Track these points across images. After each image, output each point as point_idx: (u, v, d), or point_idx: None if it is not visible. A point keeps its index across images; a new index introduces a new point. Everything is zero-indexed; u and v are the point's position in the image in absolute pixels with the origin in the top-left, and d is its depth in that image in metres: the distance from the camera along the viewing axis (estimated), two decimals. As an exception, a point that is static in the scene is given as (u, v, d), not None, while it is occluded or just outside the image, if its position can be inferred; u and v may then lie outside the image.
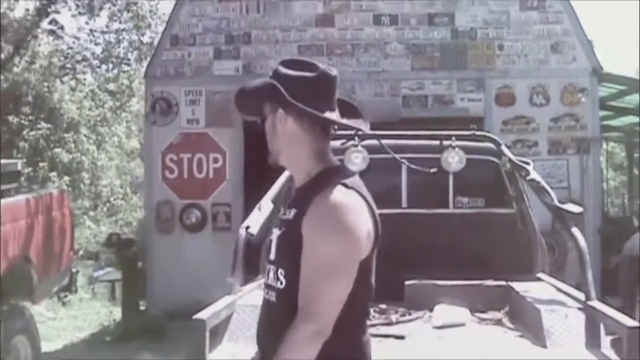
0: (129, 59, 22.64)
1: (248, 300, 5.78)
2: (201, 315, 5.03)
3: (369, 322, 6.02)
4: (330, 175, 2.85)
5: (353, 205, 2.77)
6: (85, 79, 23.24)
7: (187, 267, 11.29)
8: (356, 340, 2.89)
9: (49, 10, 20.85)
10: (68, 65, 22.93)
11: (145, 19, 21.72)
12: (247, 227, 6.30)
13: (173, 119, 11.73)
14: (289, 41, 11.71)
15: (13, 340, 7.03)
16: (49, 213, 7.86)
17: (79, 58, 23.04)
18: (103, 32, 22.54)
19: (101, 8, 15.11)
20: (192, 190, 11.62)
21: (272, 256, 2.91)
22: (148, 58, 23.26)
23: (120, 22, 22.38)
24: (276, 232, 2.93)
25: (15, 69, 22.05)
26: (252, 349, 5.45)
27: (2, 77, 21.25)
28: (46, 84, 21.18)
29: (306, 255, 2.72)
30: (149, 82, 12.04)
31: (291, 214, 2.83)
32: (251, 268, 6.37)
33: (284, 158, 2.97)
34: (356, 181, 2.90)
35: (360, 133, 7.52)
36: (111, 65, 23.29)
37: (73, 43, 23.43)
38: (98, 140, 22.12)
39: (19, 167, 7.82)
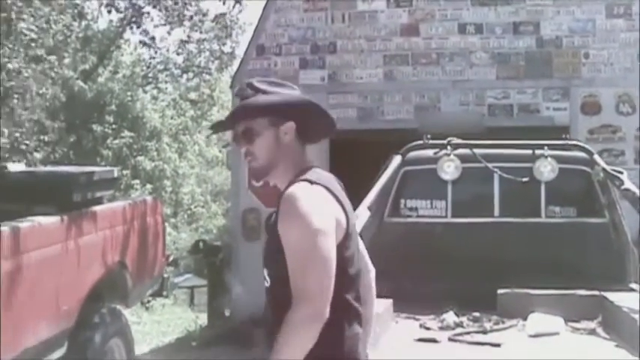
0: (210, 69, 22.93)
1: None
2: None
3: (461, 330, 6.08)
4: (299, 176, 2.92)
5: (314, 194, 2.84)
6: (166, 89, 23.63)
7: (272, 274, 11.39)
8: (336, 334, 2.85)
9: (133, 20, 21.17)
10: (150, 75, 23.35)
11: (227, 29, 21.94)
12: (344, 235, 6.37)
13: (260, 128, 11.83)
14: (374, 51, 11.75)
15: (110, 343, 7.20)
16: (144, 220, 8.02)
17: (160, 67, 23.45)
18: (184, 42, 22.85)
19: (183, 19, 15.26)
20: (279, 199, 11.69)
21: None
22: (229, 68, 23.68)
23: (201, 32, 22.66)
24: (265, 237, 3.05)
25: (99, 79, 22.51)
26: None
27: (87, 87, 21.67)
28: (129, 93, 21.55)
29: (286, 251, 2.78)
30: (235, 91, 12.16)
31: (272, 218, 2.91)
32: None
33: (277, 172, 3.02)
34: (322, 177, 2.98)
35: (452, 142, 7.60)
36: (192, 74, 23.62)
37: (155, 53, 23.81)
38: (180, 148, 22.46)
39: (115, 175, 7.99)
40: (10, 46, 10.17)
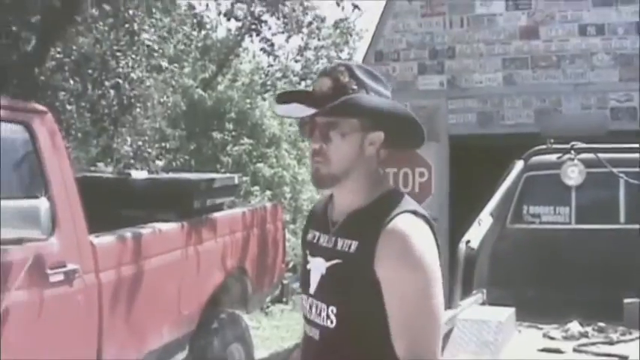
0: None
1: (468, 315, 5.76)
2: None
3: (586, 340, 5.93)
4: (392, 200, 2.58)
5: (425, 230, 2.51)
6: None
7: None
8: None
9: (252, 28, 21.38)
10: (269, 82, 23.56)
11: (345, 36, 22.05)
12: (467, 241, 6.30)
13: (379, 134, 11.77)
14: (494, 54, 11.54)
15: (230, 348, 7.27)
16: (264, 226, 8.07)
17: (279, 75, 23.65)
18: (302, 49, 23.04)
19: (302, 26, 15.32)
20: (398, 204, 11.62)
21: (314, 290, 2.63)
22: (346, 74, 23.74)
23: (319, 39, 22.80)
24: (319, 263, 2.63)
25: (219, 87, 22.79)
26: (473, 363, 5.47)
27: (207, 95, 21.95)
28: (248, 101, 21.71)
29: (396, 297, 2.43)
30: (354, 97, 12.15)
31: (347, 245, 2.54)
32: (468, 282, 6.36)
33: (346, 184, 2.60)
34: (416, 204, 2.63)
35: (576, 146, 7.43)
36: (310, 81, 23.77)
37: (274, 60, 24.02)
38: (298, 155, 22.49)
39: (236, 181, 8.07)
40: (133, 56, 10.39)
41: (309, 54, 23.30)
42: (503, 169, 10.87)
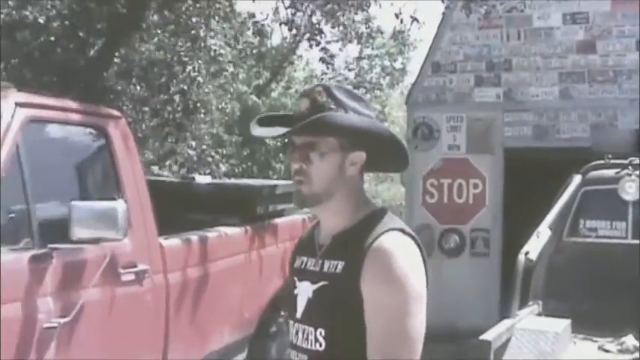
0: (381, 84, 23.18)
1: (526, 324, 5.88)
2: (487, 336, 5.20)
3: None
4: (377, 219, 2.53)
5: (410, 249, 2.47)
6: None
7: (443, 292, 11.36)
8: None
9: (310, 37, 21.53)
10: (322, 90, 23.66)
11: (400, 46, 22.15)
12: (526, 253, 6.41)
13: (434, 144, 11.87)
14: (550, 68, 11.59)
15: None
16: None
17: (333, 83, 23.71)
18: (357, 59, 23.15)
19: (361, 36, 15.47)
20: (452, 215, 11.71)
21: (301, 314, 2.57)
22: (400, 84, 23.89)
23: (372, 49, 22.92)
24: (306, 287, 2.58)
25: (272, 94, 23.03)
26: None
27: (260, 102, 22.19)
28: (303, 109, 21.83)
29: (374, 314, 2.39)
30: (411, 108, 12.26)
31: (333, 266, 2.51)
32: (526, 293, 6.46)
33: (329, 204, 2.56)
34: (404, 224, 2.58)
35: (634, 162, 7.50)
36: (364, 90, 23.89)
37: (327, 69, 24.12)
38: (352, 164, 22.69)
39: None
40: (199, 62, 10.61)
41: (363, 63, 23.37)
42: (558, 182, 10.91)
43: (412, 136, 12.02)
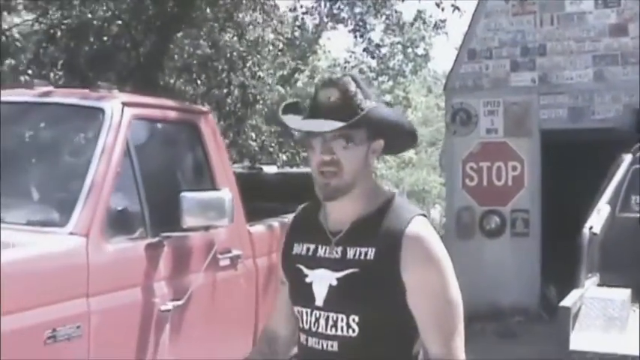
0: (404, 71, 23.51)
1: (594, 293, 6.27)
2: (566, 303, 5.59)
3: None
4: (399, 205, 2.64)
5: (437, 235, 2.63)
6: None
7: (486, 271, 11.74)
8: None
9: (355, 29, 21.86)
10: (346, 78, 23.97)
11: (420, 32, 22.44)
12: (590, 227, 6.80)
13: (472, 129, 12.20)
14: (584, 52, 11.88)
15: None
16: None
17: (356, 71, 24.08)
18: (379, 46, 23.42)
19: (402, 27, 15.78)
20: (492, 197, 12.04)
21: (323, 302, 2.63)
22: (423, 70, 24.20)
23: (395, 36, 23.19)
24: (325, 274, 2.64)
25: (297, 83, 23.36)
26: (602, 336, 5.97)
27: (285, 91, 22.53)
28: (327, 97, 22.11)
29: (427, 297, 2.54)
30: (449, 94, 12.59)
31: (361, 253, 2.58)
32: (590, 265, 6.85)
33: (352, 193, 2.60)
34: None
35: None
36: (386, 77, 24.21)
37: (350, 57, 24.49)
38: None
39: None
40: (258, 56, 10.98)
41: (384, 50, 23.66)
42: (593, 162, 11.25)
43: (450, 122, 12.37)
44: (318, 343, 2.63)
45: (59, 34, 8.39)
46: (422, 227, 2.58)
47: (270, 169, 8.39)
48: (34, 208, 4.52)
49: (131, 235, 4.77)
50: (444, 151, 13.99)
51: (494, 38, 12.27)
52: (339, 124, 2.51)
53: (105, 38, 9.56)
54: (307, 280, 2.66)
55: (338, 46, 23.24)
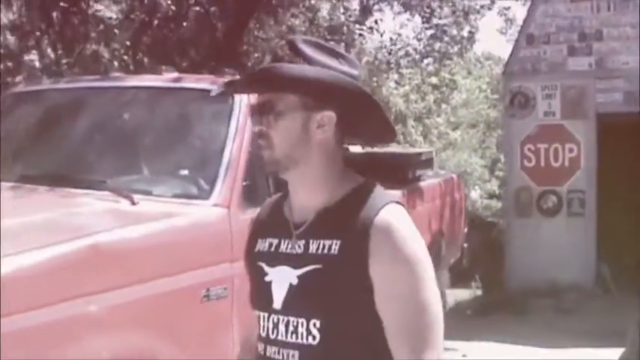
0: (450, 53, 23.78)
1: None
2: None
3: None
4: (369, 192, 2.31)
5: (413, 225, 2.32)
6: (409, 74, 24.64)
7: (543, 249, 12.18)
8: None
9: (373, 9, 22.19)
10: (392, 61, 24.41)
11: (466, 15, 22.64)
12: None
13: (530, 112, 12.60)
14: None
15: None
16: (452, 194, 9.07)
17: (402, 53, 24.44)
18: (425, 28, 23.68)
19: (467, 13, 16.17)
20: (549, 177, 12.44)
21: (282, 304, 2.30)
22: (469, 53, 24.45)
23: (440, 18, 23.46)
24: (285, 272, 2.31)
25: (344, 66, 23.81)
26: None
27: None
28: (374, 79, 22.55)
29: (396, 296, 2.19)
30: (507, 78, 12.99)
31: (324, 246, 2.25)
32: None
33: (300, 172, 2.30)
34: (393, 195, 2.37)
35: None
36: (432, 60, 24.45)
37: (396, 39, 24.75)
38: (424, 131, 23.37)
39: (434, 155, 9.06)
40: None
41: (429, 32, 23.94)
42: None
43: (509, 105, 12.79)
44: (278, 352, 2.31)
45: (155, 22, 8.89)
46: (394, 216, 2.25)
47: (355, 149, 8.86)
48: (178, 183, 5.01)
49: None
50: (503, 133, 14.41)
51: (552, 24, 12.62)
52: (228, 83, 2.42)
53: (185, 24, 10.03)
54: (267, 279, 2.34)
55: (384, 27, 23.48)
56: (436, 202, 8.39)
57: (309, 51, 2.26)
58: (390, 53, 24.44)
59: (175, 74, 5.84)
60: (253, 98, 2.38)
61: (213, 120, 5.31)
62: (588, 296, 11.71)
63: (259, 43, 11.07)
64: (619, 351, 8.64)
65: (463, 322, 11.52)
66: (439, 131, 24.66)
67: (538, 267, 11.93)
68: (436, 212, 8.36)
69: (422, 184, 8.23)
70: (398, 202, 2.32)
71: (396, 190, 7.55)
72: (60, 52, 9.49)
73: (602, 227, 12.27)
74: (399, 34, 24.72)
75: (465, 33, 23.46)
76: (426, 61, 24.64)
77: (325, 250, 2.24)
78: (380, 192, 2.34)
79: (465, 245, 9.79)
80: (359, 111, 2.29)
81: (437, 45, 24.26)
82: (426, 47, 24.31)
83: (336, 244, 2.23)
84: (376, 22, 22.79)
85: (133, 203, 4.56)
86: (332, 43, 21.70)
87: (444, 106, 24.89)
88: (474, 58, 31.49)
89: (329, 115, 2.26)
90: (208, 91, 5.38)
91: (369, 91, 2.32)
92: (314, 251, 2.26)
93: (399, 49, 24.59)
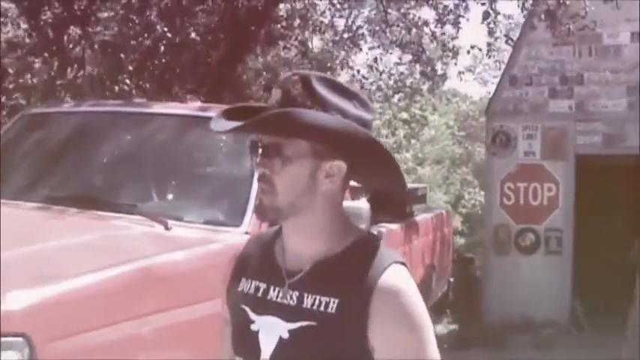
0: (421, 89, 24.05)
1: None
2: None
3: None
4: (372, 248, 2.15)
5: (415, 286, 2.16)
6: (380, 108, 24.84)
7: (520, 286, 12.40)
8: None
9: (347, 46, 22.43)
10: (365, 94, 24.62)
11: (437, 53, 22.95)
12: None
13: (511, 151, 12.83)
14: (618, 82, 12.49)
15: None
16: (442, 229, 9.27)
17: (373, 88, 24.69)
18: (397, 64, 23.95)
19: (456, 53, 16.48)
20: (528, 216, 12.65)
21: (270, 357, 2.15)
22: (441, 89, 24.78)
23: (412, 54, 23.71)
24: (274, 324, 2.16)
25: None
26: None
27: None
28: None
29: None
30: (490, 117, 13.23)
31: (321, 303, 2.10)
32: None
33: (300, 220, 2.15)
34: (398, 253, 2.22)
35: None
36: (403, 95, 24.73)
37: (367, 73, 24.98)
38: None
39: (427, 191, 9.25)
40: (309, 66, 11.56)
41: (402, 68, 24.24)
42: (625, 186, 12.00)
43: (491, 144, 13.03)
44: None
45: (162, 49, 9.02)
46: (399, 278, 2.10)
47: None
48: (207, 210, 5.13)
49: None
50: (483, 170, 14.68)
51: (534, 66, 12.88)
52: (231, 125, 2.12)
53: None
54: (253, 327, 2.20)
55: (358, 61, 23.79)
56: (429, 237, 8.59)
57: (323, 92, 2.09)
58: (362, 87, 24.71)
59: (199, 103, 5.97)
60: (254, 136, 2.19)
61: (237, 149, 5.43)
62: (563, 332, 11.96)
63: (251, 73, 11.20)
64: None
65: (442, 356, 11.65)
66: (407, 167, 24.91)
67: (515, 303, 12.13)
68: (429, 246, 8.56)
69: (417, 218, 8.41)
70: (402, 263, 2.16)
71: (395, 224, 7.78)
72: (53, 73, 9.56)
73: (577, 266, 12.52)
74: (372, 69, 24.97)
75: (438, 70, 23.77)
76: (397, 96, 24.97)
77: (322, 308, 2.09)
78: (383, 249, 2.17)
79: (451, 279, 9.97)
80: (370, 162, 2.14)
81: (408, 81, 24.60)
82: (397, 82, 24.65)
83: (334, 302, 2.08)
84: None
85: (167, 228, 4.66)
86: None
87: (413, 141, 25.13)
88: (440, 95, 31.82)
89: (339, 165, 2.12)
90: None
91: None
92: (309, 306, 2.11)
93: (372, 83, 24.90)
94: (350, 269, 2.09)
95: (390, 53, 21.63)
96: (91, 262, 3.81)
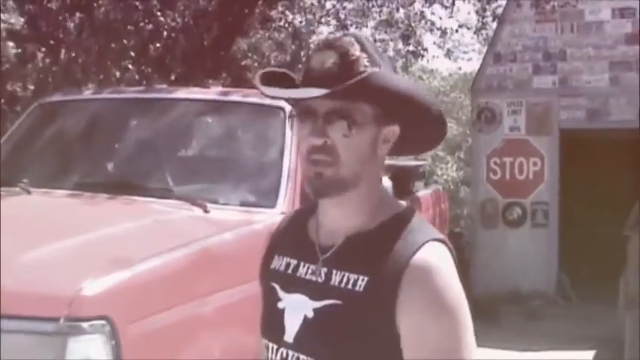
0: (394, 67, 24.12)
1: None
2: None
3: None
4: (410, 224, 1.99)
5: (454, 269, 1.97)
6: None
7: (507, 259, 12.66)
8: None
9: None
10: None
11: (411, 29, 23.03)
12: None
13: (497, 127, 13.05)
14: (601, 58, 12.73)
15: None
16: (440, 205, 9.45)
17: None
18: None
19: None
20: (514, 190, 12.92)
21: (294, 338, 2.00)
22: (414, 66, 24.89)
23: (385, 33, 23.81)
24: (301, 302, 2.01)
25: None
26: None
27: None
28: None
29: (427, 350, 1.86)
30: (475, 94, 13.43)
31: (349, 280, 1.93)
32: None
33: (356, 192, 1.98)
34: (437, 230, 2.07)
35: None
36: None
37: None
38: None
39: (428, 168, 9.42)
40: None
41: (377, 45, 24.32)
42: (608, 159, 12.26)
43: (476, 120, 13.24)
44: None
45: (165, 34, 9.08)
46: (435, 257, 1.92)
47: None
48: (240, 192, 5.27)
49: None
50: (471, 147, 14.89)
51: (518, 43, 13.08)
52: (320, 92, 1.88)
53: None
54: (280, 305, 2.06)
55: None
56: (429, 212, 8.75)
57: (376, 54, 1.97)
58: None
59: (221, 88, 6.09)
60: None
61: (267, 132, 5.57)
62: (550, 303, 12.25)
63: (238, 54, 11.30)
64: (590, 353, 9.18)
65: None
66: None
67: (503, 275, 12.38)
68: (430, 222, 8.71)
69: (420, 194, 8.58)
70: (442, 241, 1.99)
71: (402, 200, 7.95)
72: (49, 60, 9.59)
73: (563, 238, 12.77)
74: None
75: (410, 47, 23.84)
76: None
77: (350, 285, 1.93)
78: (421, 225, 2.02)
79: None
80: (423, 125, 2.05)
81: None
82: (371, 59, 24.78)
83: (362, 280, 1.92)
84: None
85: (206, 211, 4.79)
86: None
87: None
88: (411, 72, 31.88)
89: (394, 130, 1.99)
90: (259, 105, 5.66)
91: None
92: (336, 284, 1.95)
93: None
94: (383, 246, 1.92)
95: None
96: (153, 246, 3.94)
